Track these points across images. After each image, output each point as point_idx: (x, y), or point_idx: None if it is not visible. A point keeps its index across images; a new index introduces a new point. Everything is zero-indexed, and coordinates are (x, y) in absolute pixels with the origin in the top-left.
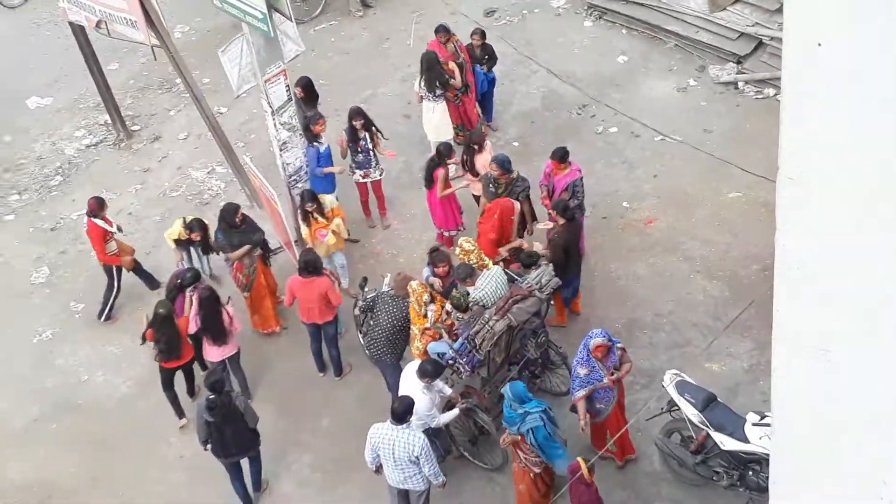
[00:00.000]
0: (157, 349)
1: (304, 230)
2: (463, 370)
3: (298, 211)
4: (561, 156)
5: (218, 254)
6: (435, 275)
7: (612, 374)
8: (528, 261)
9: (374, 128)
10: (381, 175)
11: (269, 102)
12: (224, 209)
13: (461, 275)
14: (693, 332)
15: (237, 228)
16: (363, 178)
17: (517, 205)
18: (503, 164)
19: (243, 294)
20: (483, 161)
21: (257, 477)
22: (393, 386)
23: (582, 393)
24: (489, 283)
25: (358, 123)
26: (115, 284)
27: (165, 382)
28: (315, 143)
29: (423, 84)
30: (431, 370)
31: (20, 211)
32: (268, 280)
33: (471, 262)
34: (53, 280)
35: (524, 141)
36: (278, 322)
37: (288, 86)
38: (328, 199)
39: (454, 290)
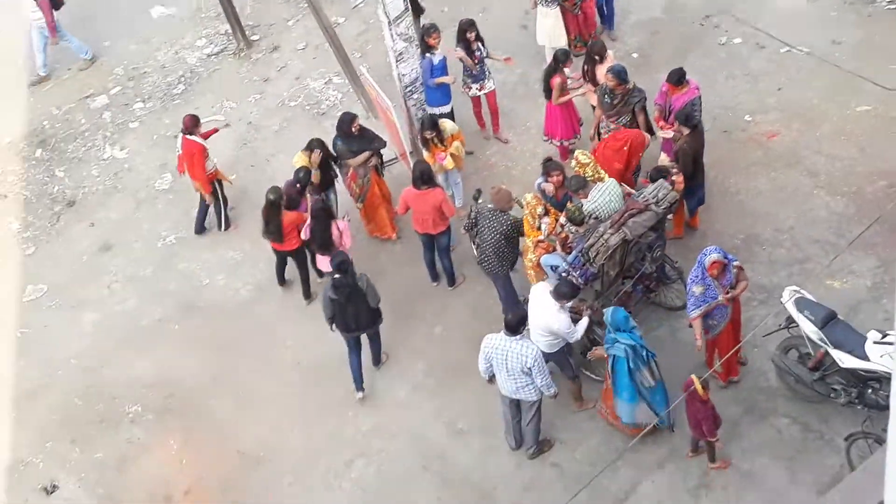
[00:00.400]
0: (265, 229)
1: (425, 153)
2: (577, 282)
3: (418, 137)
4: (678, 79)
5: (337, 162)
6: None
7: (728, 293)
8: (657, 175)
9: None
10: (494, 85)
11: (385, 13)
12: (341, 118)
13: (574, 186)
14: (814, 248)
15: (354, 137)
16: (479, 90)
17: (648, 138)
18: (619, 74)
19: (357, 205)
20: (605, 72)
21: (377, 352)
22: (505, 297)
23: (697, 312)
24: (603, 195)
25: (471, 35)
26: (221, 195)
27: (278, 268)
28: (428, 54)
29: None
30: (568, 291)
31: (144, 119)
32: (382, 189)
33: (586, 175)
34: (176, 187)
35: (644, 52)
36: (394, 228)
37: None
38: (448, 126)
39: (569, 202)
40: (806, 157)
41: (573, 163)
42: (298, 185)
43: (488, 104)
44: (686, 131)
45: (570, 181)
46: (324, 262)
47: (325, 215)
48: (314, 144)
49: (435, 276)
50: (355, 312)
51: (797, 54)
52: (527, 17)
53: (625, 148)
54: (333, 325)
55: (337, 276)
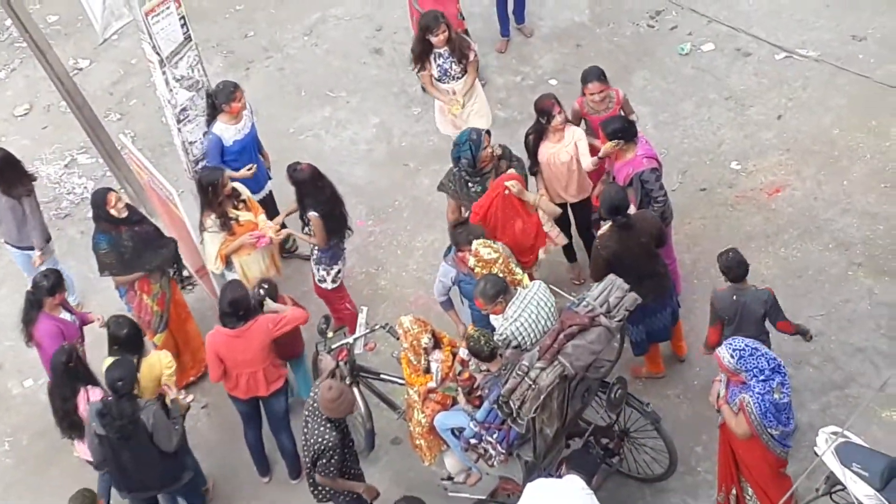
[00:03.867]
0: None
1: (215, 245)
2: (494, 453)
3: (204, 210)
4: (617, 130)
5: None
6: (461, 263)
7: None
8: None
9: None
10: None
11: (154, 47)
12: (93, 199)
13: (487, 294)
14: (857, 361)
15: (126, 225)
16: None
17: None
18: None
19: (153, 340)
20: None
21: None
22: None
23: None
24: (526, 309)
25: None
26: None
27: None
28: (217, 126)
29: None
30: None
31: None
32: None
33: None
34: None
35: (567, 76)
36: None
37: (183, 18)
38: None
39: (468, 327)
40: (831, 220)
41: (471, 261)
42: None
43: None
44: (606, 225)
45: (480, 288)
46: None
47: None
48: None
49: (265, 468)
50: (135, 462)
51: (801, 61)
52: (381, 35)
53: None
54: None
55: (109, 398)
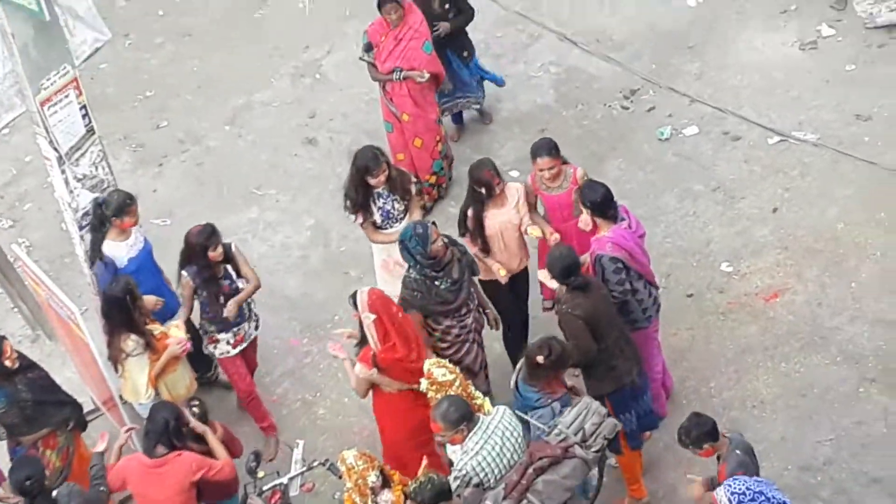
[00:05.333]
0: None
1: (143, 370)
2: None
3: (119, 332)
4: (591, 201)
5: None
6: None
7: None
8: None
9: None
10: (257, 329)
11: (51, 142)
12: None
13: (449, 418)
14: (873, 493)
15: (19, 374)
16: (232, 345)
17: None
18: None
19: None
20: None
21: None
22: None
23: None
24: (490, 440)
25: (215, 252)
26: None
27: None
28: (108, 251)
29: None
30: None
31: None
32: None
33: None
34: None
35: (530, 166)
36: None
37: (85, 107)
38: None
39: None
40: (838, 329)
41: (423, 384)
42: None
43: (247, 360)
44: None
45: (440, 412)
46: None
47: None
48: None
49: None
50: None
51: (798, 146)
52: (313, 123)
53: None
54: None
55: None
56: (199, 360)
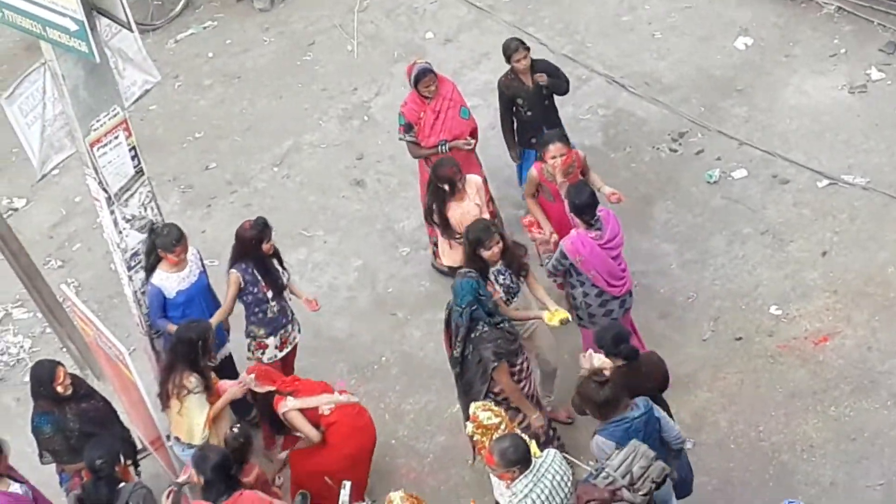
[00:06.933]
0: None
1: (203, 410)
2: None
3: (181, 371)
4: (577, 205)
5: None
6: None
7: None
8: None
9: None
10: (300, 332)
11: (101, 183)
12: (34, 373)
13: (508, 458)
14: None
15: (71, 402)
16: (278, 348)
17: None
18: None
19: None
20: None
21: None
22: None
23: None
24: (539, 483)
25: (268, 246)
26: None
27: None
28: (159, 275)
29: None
30: None
31: None
32: None
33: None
34: None
35: None
36: None
37: (134, 149)
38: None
39: None
40: (889, 374)
41: (468, 428)
42: None
43: (284, 365)
44: (606, 366)
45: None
46: None
47: None
48: None
49: None
50: None
51: (847, 189)
52: (361, 165)
53: None
54: None
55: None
56: (241, 405)
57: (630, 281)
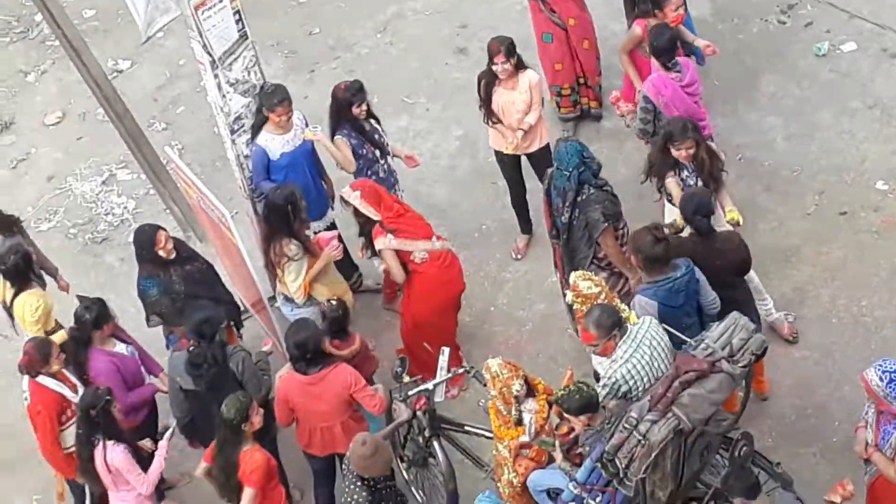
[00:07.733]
0: None
1: (301, 274)
2: None
3: (280, 237)
4: (657, 47)
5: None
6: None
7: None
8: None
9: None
10: (401, 196)
11: (205, 46)
12: (137, 236)
13: (602, 324)
14: None
15: (175, 265)
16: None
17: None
18: None
19: None
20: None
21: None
22: None
23: None
24: (639, 349)
25: (359, 110)
26: None
27: None
28: (264, 138)
29: None
30: None
31: None
32: None
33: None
34: None
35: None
36: None
37: (238, 13)
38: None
39: (568, 380)
40: None
41: (568, 297)
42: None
43: None
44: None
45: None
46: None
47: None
48: (82, 315)
49: None
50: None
51: None
52: (464, 35)
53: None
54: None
55: (194, 348)
56: (343, 266)
57: (710, 129)
